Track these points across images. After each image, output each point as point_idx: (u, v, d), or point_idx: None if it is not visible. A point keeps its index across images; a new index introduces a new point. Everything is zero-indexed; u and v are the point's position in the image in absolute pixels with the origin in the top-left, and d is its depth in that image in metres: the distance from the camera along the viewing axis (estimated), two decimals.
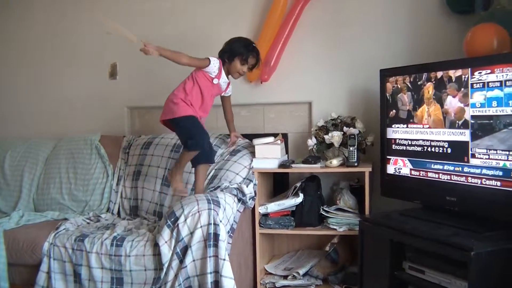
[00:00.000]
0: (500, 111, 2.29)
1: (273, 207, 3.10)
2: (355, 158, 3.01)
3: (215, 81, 2.95)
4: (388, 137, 2.89)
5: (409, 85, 2.73)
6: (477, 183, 2.41)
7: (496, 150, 2.32)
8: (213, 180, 3.10)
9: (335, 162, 3.05)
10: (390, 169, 2.89)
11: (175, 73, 3.71)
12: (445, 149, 2.57)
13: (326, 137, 3.14)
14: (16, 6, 4.16)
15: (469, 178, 2.45)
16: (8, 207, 3.57)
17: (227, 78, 3.03)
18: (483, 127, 2.37)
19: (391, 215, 2.74)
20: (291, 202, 3.09)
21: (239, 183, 3.02)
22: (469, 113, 2.43)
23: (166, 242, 2.60)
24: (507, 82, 2.26)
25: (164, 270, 2.59)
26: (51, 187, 3.55)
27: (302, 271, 3.08)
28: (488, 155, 2.35)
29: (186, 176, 3.22)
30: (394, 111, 2.83)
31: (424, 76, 2.66)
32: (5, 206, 3.59)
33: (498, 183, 2.32)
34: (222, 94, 3.13)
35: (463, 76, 2.46)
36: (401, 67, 2.87)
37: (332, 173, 3.27)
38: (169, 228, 2.61)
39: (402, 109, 2.79)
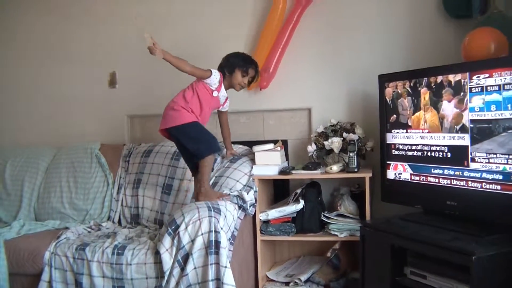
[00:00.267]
0: (499, 115, 2.29)
1: (274, 213, 3.10)
2: (355, 163, 3.01)
3: (215, 93, 2.95)
4: (388, 142, 2.89)
5: (409, 90, 2.74)
6: (477, 187, 2.41)
7: (495, 154, 2.32)
8: (214, 187, 3.10)
9: (335, 168, 3.05)
10: (390, 174, 2.89)
11: (174, 82, 3.71)
12: (445, 153, 2.58)
13: (326, 143, 3.14)
14: (14, 14, 4.17)
15: (469, 182, 2.45)
16: (9, 216, 3.57)
17: (226, 92, 3.04)
18: (483, 131, 2.37)
19: (392, 220, 2.74)
20: (292, 208, 3.09)
21: (240, 190, 3.02)
22: (467, 117, 2.43)
23: (167, 250, 2.60)
24: (506, 86, 2.27)
25: (166, 278, 2.59)
26: (52, 196, 3.55)
27: (303, 278, 3.08)
28: (488, 159, 2.36)
29: (186, 184, 3.22)
30: (394, 116, 2.83)
31: (424, 81, 2.66)
32: (6, 215, 3.59)
33: (498, 187, 2.32)
34: (220, 109, 3.13)
35: (462, 81, 2.46)
36: (400, 72, 2.87)
37: (333, 179, 3.27)
38: (170, 236, 2.61)
39: (403, 114, 2.79)
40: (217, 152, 3.00)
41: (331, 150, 3.14)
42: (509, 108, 2.26)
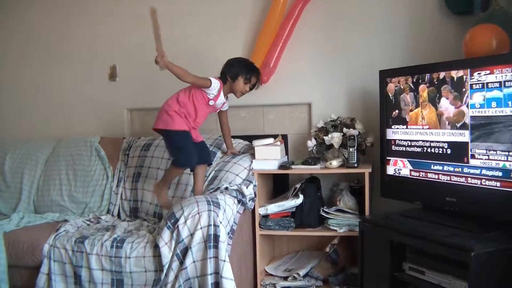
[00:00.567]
0: (500, 112, 2.29)
1: (273, 208, 3.10)
2: (355, 159, 3.01)
3: (211, 102, 2.96)
4: (387, 138, 2.89)
5: (412, 86, 2.73)
6: (476, 184, 2.42)
7: (495, 150, 2.32)
8: (213, 181, 3.10)
9: (335, 163, 3.05)
10: (390, 170, 2.89)
11: (174, 75, 3.73)
12: (444, 150, 2.58)
13: (325, 138, 3.14)
14: (14, 8, 4.16)
15: (469, 178, 2.45)
16: (8, 209, 3.57)
17: (226, 98, 3.04)
18: (483, 128, 2.37)
19: (391, 216, 2.74)
20: (291, 203, 3.09)
21: (239, 184, 3.02)
22: (468, 114, 2.43)
23: (166, 243, 2.60)
24: (506, 83, 2.27)
25: (165, 271, 2.59)
26: (51, 189, 3.55)
27: (302, 272, 3.08)
28: (488, 155, 2.36)
29: (186, 178, 3.22)
30: (396, 111, 2.83)
31: (427, 77, 2.65)
32: (5, 208, 3.59)
33: (498, 184, 2.32)
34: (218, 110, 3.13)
35: (463, 77, 2.46)
36: (400, 68, 2.87)
37: (332, 174, 3.27)
38: (169, 230, 2.62)
39: (405, 109, 2.79)
40: (190, 168, 3.03)
41: (331, 145, 3.14)
42: (510, 105, 2.26)
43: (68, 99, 4.05)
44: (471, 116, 2.42)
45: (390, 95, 2.85)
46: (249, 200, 2.97)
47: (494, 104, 2.32)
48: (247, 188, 2.99)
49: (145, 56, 3.79)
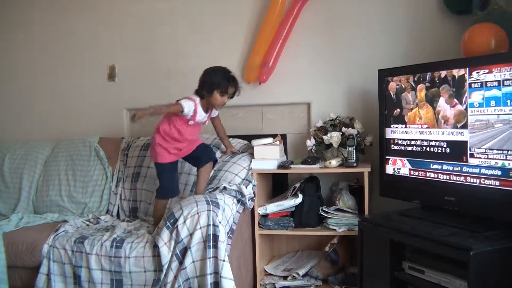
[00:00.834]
0: (499, 111, 2.29)
1: (273, 208, 3.10)
2: (354, 158, 3.01)
3: (190, 122, 2.93)
4: (387, 137, 2.89)
5: (413, 85, 2.72)
6: (476, 183, 2.42)
7: (494, 149, 2.32)
8: (212, 181, 3.10)
9: (334, 162, 3.05)
10: (389, 169, 2.89)
11: (173, 75, 3.74)
12: (443, 149, 2.58)
13: (325, 137, 3.14)
14: (13, 8, 4.15)
15: (468, 177, 2.45)
16: (8, 209, 3.57)
17: (206, 112, 2.98)
18: (482, 127, 2.37)
19: (390, 215, 2.74)
20: (291, 202, 3.09)
21: (238, 184, 3.02)
22: (467, 113, 2.43)
23: (165, 243, 2.60)
24: (505, 82, 2.27)
25: (164, 271, 2.59)
26: (50, 189, 3.55)
27: (302, 272, 3.08)
28: (487, 154, 2.36)
29: (185, 178, 3.22)
30: (398, 110, 2.82)
31: (428, 75, 2.64)
32: (5, 208, 3.59)
33: (497, 183, 2.32)
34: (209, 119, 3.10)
35: (462, 76, 2.46)
36: (399, 67, 2.87)
37: (331, 173, 3.27)
38: (168, 230, 2.61)
39: (406, 108, 2.78)
40: (166, 199, 3.07)
41: (330, 145, 3.14)
42: (509, 104, 2.26)
43: (67, 99, 4.04)
44: (470, 115, 2.42)
45: (392, 93, 2.84)
46: (248, 200, 2.97)
47: (493, 103, 2.32)
48: (246, 187, 2.99)
49: (144, 56, 3.82)
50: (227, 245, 2.68)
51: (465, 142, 2.45)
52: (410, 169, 2.77)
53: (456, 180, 2.51)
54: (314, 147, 3.21)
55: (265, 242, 3.27)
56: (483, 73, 2.36)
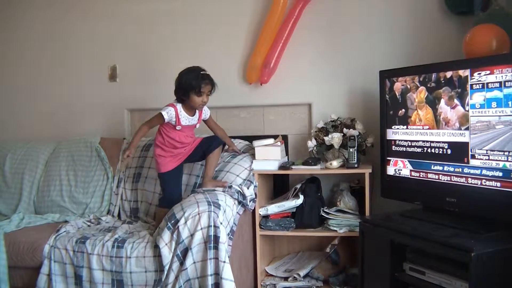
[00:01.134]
0: (500, 112, 2.29)
1: (274, 208, 3.10)
2: (355, 159, 3.01)
3: (178, 127, 2.96)
4: (388, 138, 2.89)
5: (418, 85, 2.71)
6: (477, 184, 2.42)
7: (496, 151, 2.32)
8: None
9: (335, 163, 3.05)
10: (390, 170, 2.89)
11: (174, 75, 3.73)
12: (445, 150, 2.58)
13: (326, 138, 3.14)
14: (14, 8, 4.16)
15: (469, 179, 2.45)
16: (9, 209, 3.57)
17: (193, 115, 2.99)
18: (483, 128, 2.37)
19: (391, 216, 2.74)
20: (292, 203, 3.09)
21: (240, 184, 3.02)
22: (469, 114, 2.43)
23: (166, 244, 2.60)
24: (507, 83, 2.27)
25: (165, 272, 2.59)
26: (52, 189, 3.55)
27: (302, 273, 3.08)
28: (488, 156, 2.36)
29: (186, 178, 3.23)
30: (403, 110, 2.81)
31: (428, 77, 2.64)
32: (6, 208, 3.59)
33: (498, 184, 2.32)
34: (202, 119, 3.10)
35: (464, 77, 2.46)
36: (400, 68, 2.87)
37: (332, 174, 3.27)
38: (169, 230, 2.62)
39: (411, 108, 2.77)
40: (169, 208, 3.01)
41: (331, 146, 3.14)
42: (510, 105, 2.26)
43: (68, 100, 4.04)
44: (471, 116, 2.42)
45: (397, 94, 2.83)
46: (249, 201, 2.97)
47: (494, 104, 2.32)
48: (247, 188, 2.99)
49: (145, 56, 3.82)
50: (228, 246, 2.68)
51: (466, 143, 2.45)
52: (411, 170, 2.77)
53: (457, 181, 2.51)
54: (315, 148, 3.21)
55: (266, 243, 3.27)
56: (485, 74, 2.36)
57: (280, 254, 3.49)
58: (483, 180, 2.39)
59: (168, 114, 2.91)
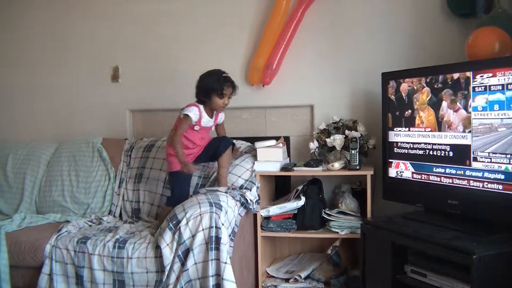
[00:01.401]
0: (502, 115, 2.29)
1: (275, 210, 3.10)
2: (357, 161, 3.01)
3: (196, 127, 2.97)
4: (390, 140, 2.89)
5: (425, 86, 2.69)
6: (479, 187, 2.41)
7: (498, 153, 2.32)
8: (215, 183, 3.10)
9: (337, 165, 3.05)
10: (392, 173, 2.89)
11: (177, 77, 3.74)
12: (447, 152, 2.57)
13: (328, 140, 3.14)
14: (16, 8, 4.16)
15: (471, 181, 2.45)
16: (10, 209, 3.58)
17: (211, 116, 3.02)
18: (485, 131, 2.37)
19: (393, 219, 2.74)
20: (293, 205, 3.09)
21: (242, 185, 3.02)
22: (471, 117, 2.43)
23: (167, 244, 2.60)
24: (509, 86, 2.26)
25: (166, 273, 2.59)
26: (53, 189, 3.56)
27: (304, 274, 3.08)
28: (490, 158, 2.35)
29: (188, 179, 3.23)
30: (409, 111, 2.79)
31: (440, 77, 2.61)
32: (7, 208, 3.60)
33: (500, 187, 2.32)
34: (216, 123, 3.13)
35: (466, 80, 2.46)
36: (403, 70, 2.87)
37: (334, 176, 3.27)
38: (171, 231, 2.62)
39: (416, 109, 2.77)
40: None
41: (333, 147, 3.14)
42: None
43: (70, 100, 4.04)
44: (473, 119, 2.42)
45: (403, 94, 2.81)
46: (254, 203, 2.98)
47: (496, 107, 2.32)
48: (250, 190, 2.99)
49: (148, 57, 3.82)
50: (229, 247, 2.68)
51: (469, 146, 2.45)
52: (413, 172, 2.77)
53: (459, 184, 2.51)
54: (317, 150, 3.21)
55: (267, 244, 3.27)
56: (487, 77, 2.36)
57: (281, 256, 3.49)
58: (485, 183, 2.38)
59: (194, 114, 2.93)
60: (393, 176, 2.88)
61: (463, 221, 2.48)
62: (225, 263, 2.55)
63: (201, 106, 2.97)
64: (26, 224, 3.19)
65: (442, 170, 2.60)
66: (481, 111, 2.38)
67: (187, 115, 2.92)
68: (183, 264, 2.58)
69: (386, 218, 2.77)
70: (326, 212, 3.07)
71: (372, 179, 2.99)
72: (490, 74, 2.34)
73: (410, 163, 2.78)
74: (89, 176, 3.54)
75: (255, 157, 3.18)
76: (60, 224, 3.17)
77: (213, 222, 2.58)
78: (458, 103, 2.49)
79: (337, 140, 3.10)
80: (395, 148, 2.86)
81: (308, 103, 3.49)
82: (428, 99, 2.65)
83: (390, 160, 2.89)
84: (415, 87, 2.74)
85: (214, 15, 3.65)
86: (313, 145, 3.22)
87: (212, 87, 2.92)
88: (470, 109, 2.43)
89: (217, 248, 2.56)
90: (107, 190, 3.49)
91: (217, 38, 3.63)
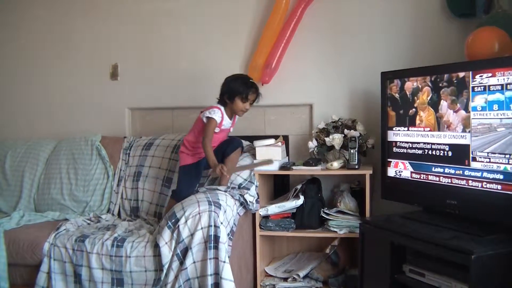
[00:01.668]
0: (501, 115, 2.29)
1: (274, 209, 3.10)
2: (356, 160, 3.01)
3: (217, 129, 2.98)
4: (389, 139, 2.89)
5: (430, 85, 2.67)
6: (477, 187, 2.42)
7: (497, 153, 2.32)
8: (214, 181, 3.10)
9: (335, 164, 3.05)
10: (391, 172, 2.89)
11: (175, 75, 3.73)
12: (446, 152, 2.58)
13: (327, 139, 3.14)
14: (15, 6, 4.15)
15: (470, 181, 2.45)
16: (9, 207, 3.57)
17: (230, 119, 3.07)
18: (484, 131, 2.37)
19: (391, 218, 2.74)
20: (292, 204, 3.09)
21: (240, 184, 3.02)
22: (470, 117, 2.43)
23: (166, 243, 2.60)
24: (508, 86, 2.27)
25: (164, 271, 2.59)
26: (52, 187, 3.55)
27: (302, 274, 3.08)
28: (489, 158, 2.36)
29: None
30: (413, 109, 2.78)
31: (445, 76, 2.59)
32: (6, 206, 3.59)
33: (499, 187, 2.32)
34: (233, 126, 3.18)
35: (465, 79, 2.46)
36: (402, 70, 2.87)
37: (333, 175, 3.27)
38: (169, 229, 2.62)
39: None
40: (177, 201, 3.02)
41: (332, 147, 3.14)
42: (511, 108, 2.26)
43: (69, 98, 4.04)
44: (472, 119, 2.42)
45: (408, 93, 2.80)
46: (254, 202, 2.99)
47: (495, 107, 2.32)
48: (250, 189, 3.00)
49: (147, 55, 3.82)
50: (228, 246, 2.68)
51: (468, 146, 2.45)
52: (411, 172, 2.77)
53: (458, 184, 2.51)
54: (316, 149, 3.21)
55: (265, 243, 3.27)
56: (486, 77, 2.36)
57: (280, 255, 3.49)
58: (484, 183, 2.39)
59: (217, 116, 2.95)
60: (392, 175, 2.88)
61: (461, 221, 2.48)
62: (224, 262, 2.55)
63: (222, 108, 3.00)
64: (25, 222, 3.19)
65: (441, 170, 2.60)
66: (480, 111, 2.39)
67: (212, 119, 2.93)
68: (181, 262, 2.58)
69: (385, 218, 2.77)
70: (325, 211, 3.07)
71: (371, 179, 2.99)
72: (490, 74, 2.35)
73: (409, 162, 2.78)
74: (87, 174, 3.54)
75: (254, 156, 3.18)
76: (58, 222, 3.16)
77: (212, 221, 2.58)
78: (458, 104, 2.49)
79: (336, 139, 3.10)
80: (394, 148, 2.87)
81: (307, 102, 3.49)
82: (428, 98, 2.65)
83: (389, 160, 2.90)
84: (420, 86, 2.73)
85: (213, 13, 3.65)
86: (312, 144, 3.21)
87: (238, 89, 2.96)
88: (469, 109, 2.44)
89: (216, 247, 2.56)
90: (105, 188, 3.49)
91: (216, 36, 3.63)
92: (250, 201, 2.95)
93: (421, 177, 2.72)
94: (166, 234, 2.61)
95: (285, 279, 3.12)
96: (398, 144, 2.84)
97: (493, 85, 2.33)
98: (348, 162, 3.05)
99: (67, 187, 3.52)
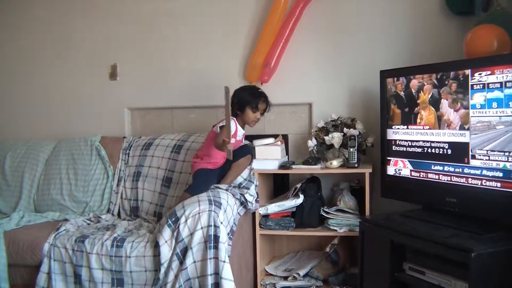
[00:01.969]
0: (500, 112, 2.29)
1: (274, 208, 3.10)
2: (355, 159, 3.01)
3: (232, 140, 2.94)
4: (388, 138, 2.89)
5: (436, 82, 2.66)
6: (477, 184, 2.42)
7: (496, 151, 2.32)
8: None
9: (335, 163, 3.05)
10: (391, 170, 2.89)
11: (175, 75, 3.73)
12: (445, 150, 2.58)
13: (326, 138, 3.14)
14: (15, 6, 4.15)
15: (469, 179, 2.45)
16: (9, 207, 3.57)
17: (243, 128, 3.10)
18: (483, 128, 2.37)
19: (391, 216, 2.74)
20: (292, 203, 3.09)
21: (240, 183, 3.02)
22: (469, 115, 2.43)
23: (166, 241, 2.60)
24: (507, 83, 2.27)
25: (163, 269, 2.59)
26: (52, 188, 3.55)
27: (302, 272, 3.08)
28: (488, 156, 2.36)
29: (186, 177, 3.23)
30: (418, 107, 2.75)
31: (451, 74, 2.57)
32: (6, 206, 3.59)
33: (498, 184, 2.32)
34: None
35: (464, 77, 2.46)
36: (402, 68, 2.87)
37: (333, 174, 3.27)
38: (170, 228, 2.61)
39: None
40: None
41: (332, 145, 3.14)
42: (510, 106, 2.26)
43: (68, 98, 4.04)
44: (471, 117, 2.42)
45: (413, 91, 2.77)
46: (254, 201, 2.99)
47: (495, 104, 2.32)
48: (249, 189, 2.99)
49: (146, 55, 3.82)
50: (228, 246, 2.68)
51: (467, 144, 2.45)
52: (411, 170, 2.77)
53: (458, 182, 2.51)
54: (315, 148, 3.21)
55: (265, 242, 3.27)
56: (485, 75, 2.36)
57: (280, 254, 3.49)
58: (483, 181, 2.39)
59: (232, 127, 2.93)
60: (392, 174, 2.88)
61: (461, 218, 2.48)
62: (224, 261, 2.55)
63: (235, 119, 3.02)
64: (25, 222, 3.19)
65: (441, 168, 2.60)
66: (480, 108, 2.39)
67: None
68: (181, 262, 2.58)
69: (385, 216, 2.77)
70: (325, 210, 3.07)
71: (371, 177, 2.99)
72: (489, 72, 2.34)
73: (409, 161, 2.78)
74: (87, 175, 3.54)
75: (253, 156, 3.18)
76: (58, 222, 3.16)
77: (212, 220, 2.58)
78: (458, 103, 2.49)
79: (335, 138, 3.10)
80: (393, 146, 2.86)
81: (306, 101, 3.49)
82: (429, 96, 2.65)
83: (389, 158, 2.90)
84: (425, 83, 2.71)
85: (212, 13, 3.64)
86: (312, 143, 3.21)
87: (247, 100, 3.00)
88: (468, 107, 2.43)
89: (216, 247, 2.56)
90: (105, 189, 3.49)
91: (215, 36, 3.63)
92: (249, 201, 2.95)
93: (421, 175, 2.71)
94: (166, 232, 2.61)
95: (285, 278, 3.12)
96: (397, 142, 2.84)
97: (492, 83, 2.33)
98: (347, 161, 3.05)
99: (67, 187, 3.52)
